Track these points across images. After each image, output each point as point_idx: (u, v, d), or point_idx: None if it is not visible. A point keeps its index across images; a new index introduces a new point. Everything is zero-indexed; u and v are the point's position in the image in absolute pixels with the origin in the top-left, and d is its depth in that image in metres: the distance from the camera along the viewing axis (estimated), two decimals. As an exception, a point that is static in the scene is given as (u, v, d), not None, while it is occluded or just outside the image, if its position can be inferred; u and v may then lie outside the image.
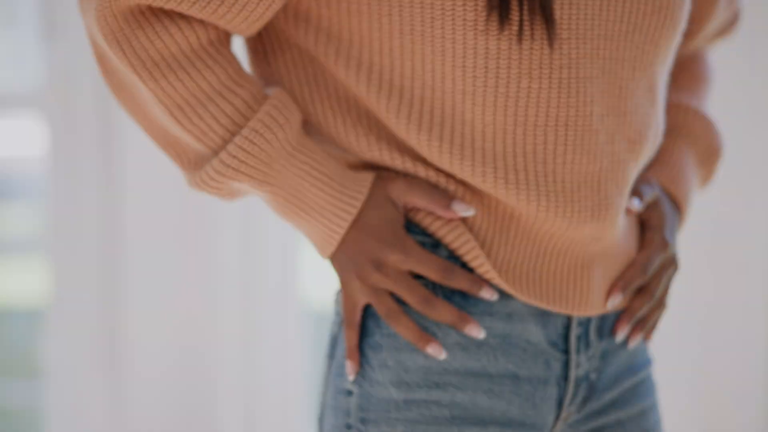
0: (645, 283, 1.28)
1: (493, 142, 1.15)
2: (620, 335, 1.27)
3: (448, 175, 1.17)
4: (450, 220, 1.17)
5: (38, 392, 3.02)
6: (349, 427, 1.20)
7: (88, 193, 2.75)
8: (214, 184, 1.16)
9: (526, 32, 1.12)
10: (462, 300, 1.19)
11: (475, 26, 1.12)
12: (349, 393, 1.20)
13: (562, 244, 1.21)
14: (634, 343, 1.28)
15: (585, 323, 1.24)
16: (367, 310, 1.20)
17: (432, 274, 1.16)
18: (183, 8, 1.11)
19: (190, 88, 1.13)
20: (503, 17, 1.11)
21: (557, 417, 1.24)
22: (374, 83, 1.17)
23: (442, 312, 1.17)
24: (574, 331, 1.24)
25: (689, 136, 1.38)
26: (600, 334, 1.26)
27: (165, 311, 2.75)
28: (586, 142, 1.17)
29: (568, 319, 1.23)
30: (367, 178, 1.18)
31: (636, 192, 1.27)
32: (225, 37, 1.16)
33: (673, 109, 1.38)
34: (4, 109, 3.09)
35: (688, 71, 1.43)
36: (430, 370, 1.18)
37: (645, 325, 1.29)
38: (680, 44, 1.38)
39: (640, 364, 1.32)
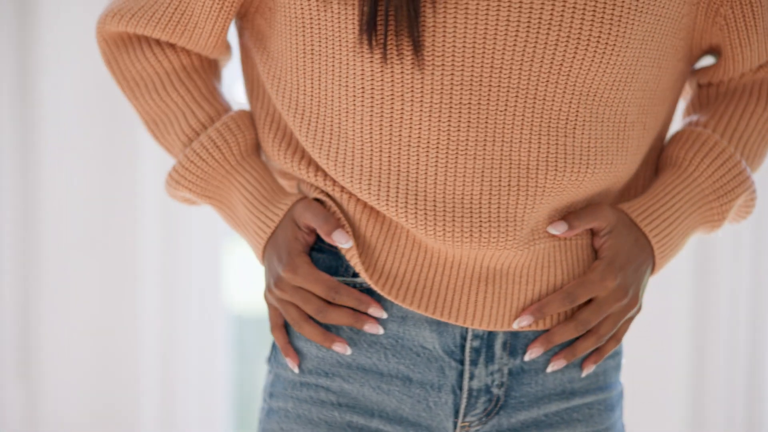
0: (576, 310, 1.28)
1: (371, 160, 1.22)
2: (528, 355, 1.26)
3: (343, 188, 1.26)
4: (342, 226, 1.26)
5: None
6: (264, 401, 1.34)
7: (3, 191, 2.68)
8: (168, 191, 1.34)
9: (394, 55, 1.17)
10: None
11: (354, 47, 1.19)
12: (269, 374, 1.34)
13: (454, 257, 1.25)
14: (552, 368, 1.27)
15: (485, 337, 1.27)
16: None
17: (319, 291, 1.26)
18: (149, 32, 1.29)
19: (161, 106, 1.33)
20: (372, 39, 1.17)
21: (456, 425, 1.28)
22: (286, 99, 1.27)
23: (336, 318, 1.26)
24: (470, 343, 1.27)
25: (682, 167, 1.33)
26: (513, 351, 1.27)
27: (81, 313, 2.69)
28: (461, 166, 1.20)
29: (466, 330, 1.26)
30: (291, 199, 1.29)
31: (570, 217, 1.26)
32: (199, 64, 1.34)
33: (684, 136, 1.34)
34: None
35: (724, 100, 1.37)
36: (323, 360, 1.29)
37: (572, 353, 1.28)
38: (726, 76, 1.35)
39: (580, 391, 1.30)
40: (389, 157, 1.22)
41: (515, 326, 1.25)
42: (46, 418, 2.73)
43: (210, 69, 1.35)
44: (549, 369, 1.27)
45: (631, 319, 1.30)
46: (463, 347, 1.27)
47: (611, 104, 1.23)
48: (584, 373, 1.29)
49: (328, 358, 1.29)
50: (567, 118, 1.21)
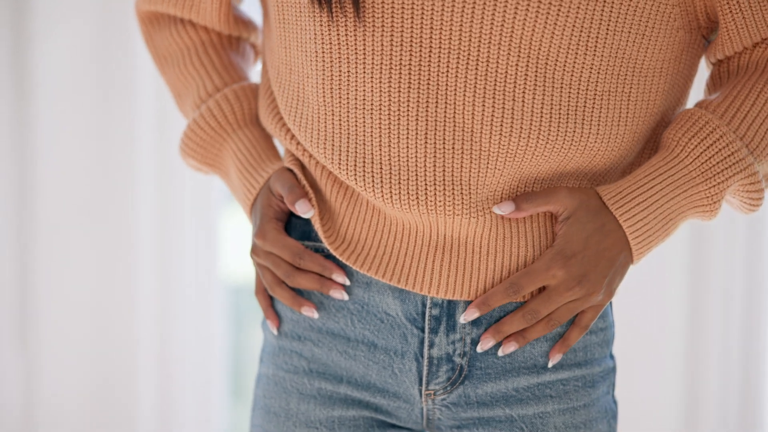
0: (524, 298, 1.25)
1: (325, 123, 1.24)
2: (481, 346, 1.25)
3: (311, 154, 1.29)
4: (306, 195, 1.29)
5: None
6: (258, 366, 1.40)
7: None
8: (183, 160, 1.42)
9: (339, 15, 1.20)
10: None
11: (312, 12, 1.22)
12: (263, 339, 1.40)
13: (411, 224, 1.25)
14: (503, 352, 1.25)
15: (445, 306, 1.26)
16: None
17: (285, 256, 1.29)
18: (163, 8, 1.38)
19: (180, 79, 1.41)
20: (321, 2, 1.20)
21: (421, 393, 1.28)
22: (273, 69, 1.31)
23: (303, 282, 1.29)
24: (429, 311, 1.26)
25: (669, 149, 1.25)
26: (476, 321, 1.25)
27: (77, 285, 2.70)
28: (403, 127, 1.20)
29: (427, 298, 1.26)
30: (274, 166, 1.33)
31: (520, 198, 1.23)
32: (218, 40, 1.42)
33: (678, 117, 1.27)
34: None
35: (733, 79, 1.30)
36: (297, 324, 1.33)
37: (523, 338, 1.25)
38: (728, 50, 1.27)
39: (554, 366, 1.27)
40: (340, 120, 1.23)
41: (461, 320, 1.25)
42: (44, 390, 2.74)
43: (229, 45, 1.43)
44: (500, 353, 1.25)
45: (599, 306, 1.26)
46: (424, 315, 1.27)
47: (570, 70, 1.19)
48: (550, 364, 1.26)
49: (301, 321, 1.32)
50: (515, 82, 1.18)
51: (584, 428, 1.28)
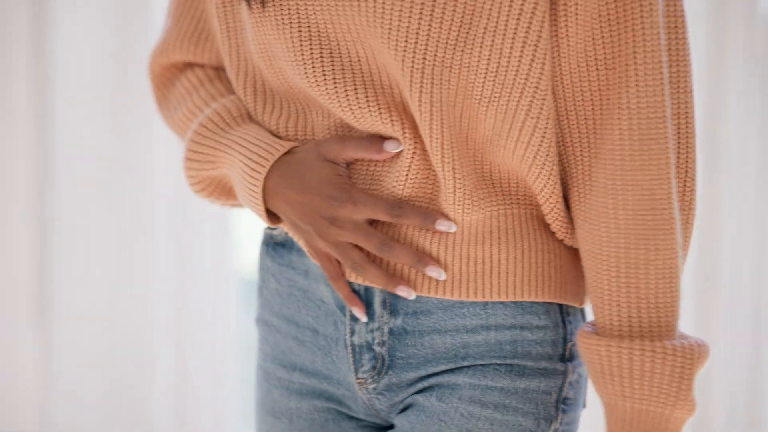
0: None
1: (281, 107, 1.27)
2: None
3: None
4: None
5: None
6: None
7: (19, 143, 2.72)
8: (187, 175, 1.35)
9: (253, 6, 1.21)
10: (273, 252, 1.32)
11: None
12: None
13: None
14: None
15: (363, 293, 1.25)
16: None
17: (381, 215, 1.20)
18: (178, 55, 1.36)
19: (187, 114, 1.35)
20: None
21: (355, 381, 1.28)
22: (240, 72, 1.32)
23: (400, 254, 1.21)
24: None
25: (609, 412, 1.22)
26: (393, 311, 1.24)
27: (96, 265, 2.75)
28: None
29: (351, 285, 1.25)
30: (283, 145, 1.25)
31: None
32: (214, 74, 1.36)
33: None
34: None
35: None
36: (265, 308, 1.34)
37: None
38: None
39: (474, 355, 1.23)
40: (288, 103, 1.27)
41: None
42: (62, 370, 2.78)
43: (218, 75, 1.38)
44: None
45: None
46: None
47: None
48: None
49: (268, 306, 1.34)
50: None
51: (494, 411, 1.23)
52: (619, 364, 1.16)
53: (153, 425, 2.77)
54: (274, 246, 1.34)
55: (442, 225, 1.20)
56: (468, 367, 1.23)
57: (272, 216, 1.28)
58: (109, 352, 2.76)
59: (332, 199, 1.21)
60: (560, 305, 1.26)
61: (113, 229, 2.74)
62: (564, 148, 1.20)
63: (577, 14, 1.14)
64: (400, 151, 1.20)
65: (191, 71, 1.38)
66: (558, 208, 1.21)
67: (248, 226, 2.81)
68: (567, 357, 1.26)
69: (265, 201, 1.26)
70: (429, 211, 1.21)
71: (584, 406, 1.30)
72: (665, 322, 1.16)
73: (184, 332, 2.78)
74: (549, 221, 1.22)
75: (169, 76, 1.41)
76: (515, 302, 1.23)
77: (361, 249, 1.23)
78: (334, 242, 1.23)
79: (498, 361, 1.23)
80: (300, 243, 1.28)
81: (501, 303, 1.23)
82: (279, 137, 1.28)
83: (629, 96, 1.15)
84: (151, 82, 1.42)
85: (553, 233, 1.24)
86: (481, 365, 1.23)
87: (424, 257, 1.21)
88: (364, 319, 1.24)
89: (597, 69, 1.16)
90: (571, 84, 1.17)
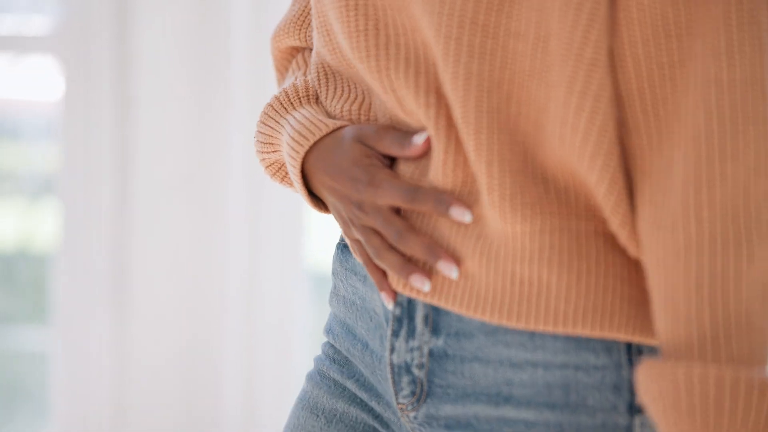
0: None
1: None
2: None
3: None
4: None
5: (46, 336, 3.04)
6: None
7: (100, 137, 2.76)
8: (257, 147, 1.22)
9: None
10: (342, 255, 1.17)
11: None
12: None
13: None
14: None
15: (406, 305, 1.08)
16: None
17: (399, 201, 1.06)
18: (290, 40, 1.22)
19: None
20: None
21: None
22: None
23: (414, 245, 1.05)
24: (393, 310, 1.09)
25: None
26: (435, 329, 1.07)
27: (173, 256, 2.77)
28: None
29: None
30: (327, 125, 1.11)
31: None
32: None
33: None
34: (19, 52, 3.08)
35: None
36: (333, 315, 1.18)
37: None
38: None
39: (517, 399, 1.03)
40: (352, 85, 1.18)
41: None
42: (137, 361, 2.81)
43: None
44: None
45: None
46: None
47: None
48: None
49: (333, 313, 1.17)
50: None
51: None
52: (704, 392, 0.91)
53: (222, 422, 2.80)
54: (343, 248, 1.17)
55: (456, 211, 1.03)
56: (510, 423, 1.02)
57: (319, 202, 1.15)
58: (183, 350, 2.79)
59: (357, 182, 1.07)
60: (628, 344, 1.01)
61: (189, 225, 2.77)
62: (630, 139, 0.98)
63: None
64: (429, 143, 1.04)
65: (300, 55, 1.22)
66: (630, 219, 0.99)
67: (321, 222, 2.81)
68: (635, 408, 1.01)
69: (306, 185, 1.13)
70: (443, 196, 1.03)
71: None
72: (759, 349, 0.92)
73: (255, 329, 2.80)
74: (621, 239, 1.00)
75: (288, 58, 1.25)
76: (568, 336, 1.01)
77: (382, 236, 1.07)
78: (361, 226, 1.08)
79: (546, 417, 1.01)
80: (342, 233, 1.15)
81: (551, 335, 1.01)
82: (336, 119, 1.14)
83: (719, 68, 0.93)
84: (274, 67, 1.28)
85: (623, 253, 1.01)
86: (526, 424, 1.02)
87: (437, 249, 1.03)
88: (390, 306, 1.07)
89: (678, 36, 0.95)
90: (645, 56, 0.96)
